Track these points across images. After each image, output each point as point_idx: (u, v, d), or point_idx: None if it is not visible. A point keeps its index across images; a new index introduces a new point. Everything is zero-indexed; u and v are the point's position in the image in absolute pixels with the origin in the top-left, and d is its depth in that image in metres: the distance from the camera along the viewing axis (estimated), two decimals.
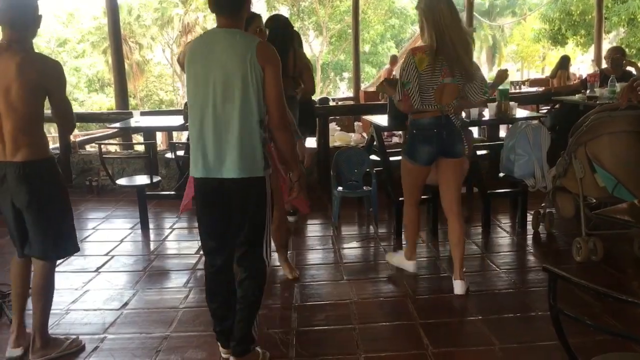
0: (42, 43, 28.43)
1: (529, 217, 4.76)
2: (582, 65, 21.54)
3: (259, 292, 2.70)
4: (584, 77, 8.41)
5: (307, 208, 4.30)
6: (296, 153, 2.73)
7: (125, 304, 3.52)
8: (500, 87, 4.79)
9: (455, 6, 3.34)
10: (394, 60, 12.21)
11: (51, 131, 17.39)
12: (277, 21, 4.51)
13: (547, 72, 12.34)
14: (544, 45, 26.56)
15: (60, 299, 3.55)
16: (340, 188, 5.07)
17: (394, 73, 11.70)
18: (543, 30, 21.69)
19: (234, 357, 2.73)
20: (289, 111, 2.70)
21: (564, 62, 10.65)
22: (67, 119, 2.81)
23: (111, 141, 7.74)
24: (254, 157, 2.53)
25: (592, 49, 15.60)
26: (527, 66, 34.21)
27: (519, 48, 32.94)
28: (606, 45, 12.90)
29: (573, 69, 14.75)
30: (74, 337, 3.01)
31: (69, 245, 2.89)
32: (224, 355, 2.85)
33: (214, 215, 2.66)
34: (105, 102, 27.21)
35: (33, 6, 2.67)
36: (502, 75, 3.92)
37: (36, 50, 2.89)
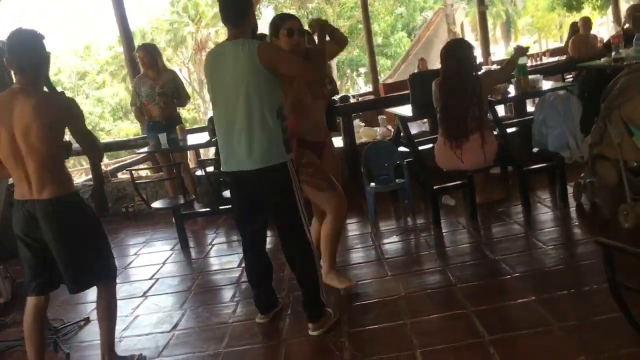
0: (64, 78, 29.03)
1: (570, 190, 4.63)
2: (601, 28, 21.01)
3: (312, 268, 3.07)
4: (605, 40, 8.14)
5: None
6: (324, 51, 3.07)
7: (176, 325, 3.54)
8: (520, 63, 4.71)
9: None
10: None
11: (83, 163, 17.72)
12: None
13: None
14: (559, 14, 26.00)
15: None
16: (372, 184, 4.99)
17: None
18: None
19: (310, 322, 3.10)
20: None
21: (573, 28, 9.98)
22: (93, 148, 2.92)
23: (141, 166, 7.84)
24: (269, 149, 2.88)
25: (609, 10, 15.24)
26: (544, 36, 33.57)
27: (533, 19, 32.32)
28: (624, 5, 12.57)
29: (593, 32, 14.31)
30: (137, 354, 3.13)
31: (111, 270, 2.96)
32: (258, 320, 3.33)
33: (238, 201, 3.19)
34: (131, 128, 27.56)
35: (39, 47, 2.66)
36: (521, 50, 4.60)
37: (59, 88, 2.95)
